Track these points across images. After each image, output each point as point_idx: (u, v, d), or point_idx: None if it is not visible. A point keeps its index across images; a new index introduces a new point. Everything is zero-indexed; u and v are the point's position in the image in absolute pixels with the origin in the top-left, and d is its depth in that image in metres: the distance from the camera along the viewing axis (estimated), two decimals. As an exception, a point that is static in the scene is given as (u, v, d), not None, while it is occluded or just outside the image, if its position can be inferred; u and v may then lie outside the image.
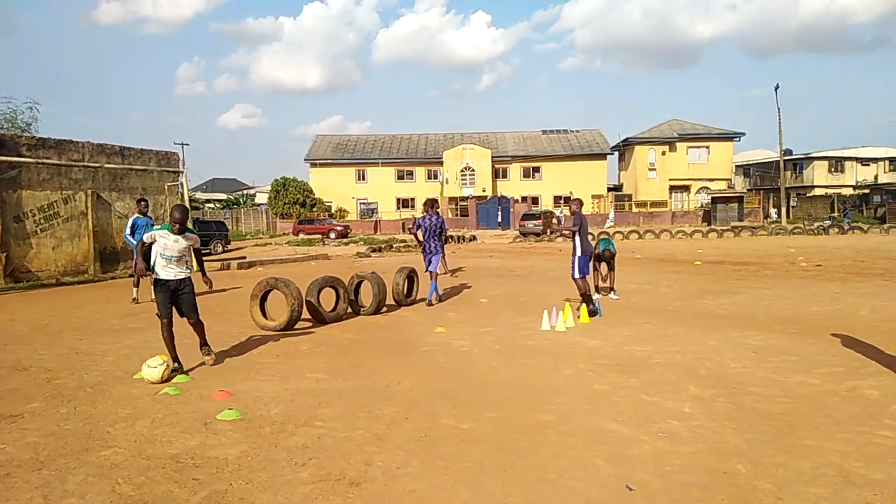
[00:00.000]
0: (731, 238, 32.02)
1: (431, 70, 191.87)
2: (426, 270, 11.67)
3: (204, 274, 7.05)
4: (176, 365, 6.44)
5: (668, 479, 3.76)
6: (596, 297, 10.78)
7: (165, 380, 6.05)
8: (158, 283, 6.52)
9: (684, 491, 3.61)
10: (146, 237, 6.65)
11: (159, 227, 6.56)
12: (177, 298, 6.56)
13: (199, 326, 6.78)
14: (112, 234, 17.58)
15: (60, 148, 16.38)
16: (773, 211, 47.48)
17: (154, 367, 6.03)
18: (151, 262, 6.66)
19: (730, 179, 59.67)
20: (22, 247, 15.27)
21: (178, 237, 6.46)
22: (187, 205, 19.98)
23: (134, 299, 11.60)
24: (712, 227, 40.57)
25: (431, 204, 12.01)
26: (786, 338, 7.70)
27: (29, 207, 15.46)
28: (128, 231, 11.90)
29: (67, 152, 16.52)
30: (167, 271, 6.49)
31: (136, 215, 12.02)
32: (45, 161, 15.68)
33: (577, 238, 9.53)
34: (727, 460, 4.04)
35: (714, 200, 50.65)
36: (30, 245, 15.47)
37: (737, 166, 65.71)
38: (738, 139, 60.04)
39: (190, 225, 6.99)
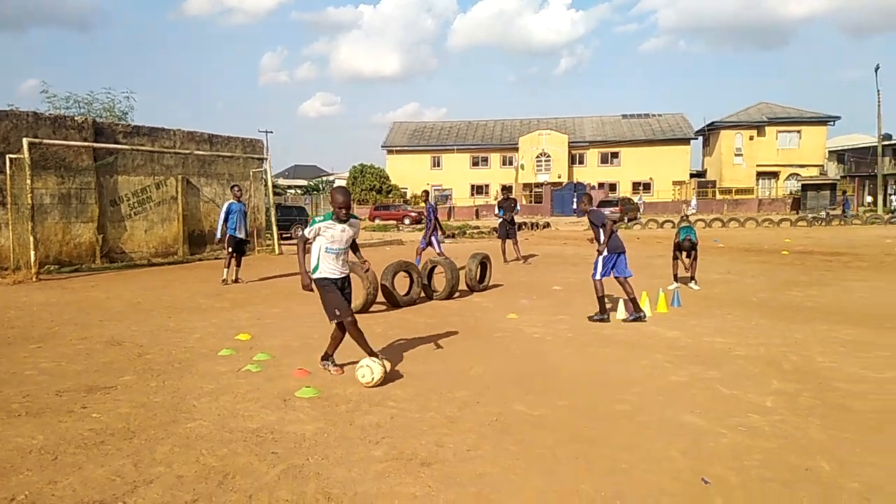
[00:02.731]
0: (820, 227, 30.47)
1: (508, 55, 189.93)
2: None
3: (361, 259, 6.10)
4: (376, 359, 5.51)
5: (746, 474, 3.64)
6: (674, 285, 10.51)
7: (380, 382, 5.34)
8: (325, 283, 5.63)
9: (763, 487, 3.49)
10: (308, 232, 5.60)
11: (321, 217, 5.64)
12: None
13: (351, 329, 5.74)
14: (200, 218, 18.37)
15: (153, 135, 17.21)
16: (868, 199, 44.72)
17: (365, 375, 5.32)
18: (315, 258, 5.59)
19: (822, 165, 56.68)
20: (117, 229, 16.18)
21: (345, 225, 5.57)
22: (271, 190, 20.64)
23: (223, 280, 12.09)
24: (801, 215, 38.64)
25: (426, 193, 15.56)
26: (879, 332, 7.28)
27: (124, 192, 16.35)
28: (222, 217, 12.23)
29: (160, 139, 17.34)
30: (333, 268, 5.64)
31: (231, 201, 12.44)
32: (139, 148, 16.51)
33: (602, 234, 8.36)
34: (810, 457, 3.87)
35: (804, 187, 48.24)
36: (124, 227, 16.37)
37: (830, 152, 62.24)
38: (832, 123, 56.96)
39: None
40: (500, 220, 15.81)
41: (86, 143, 15.13)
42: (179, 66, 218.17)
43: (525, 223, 32.46)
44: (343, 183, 61.26)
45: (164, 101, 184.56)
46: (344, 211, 5.49)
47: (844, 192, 44.95)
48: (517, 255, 15.69)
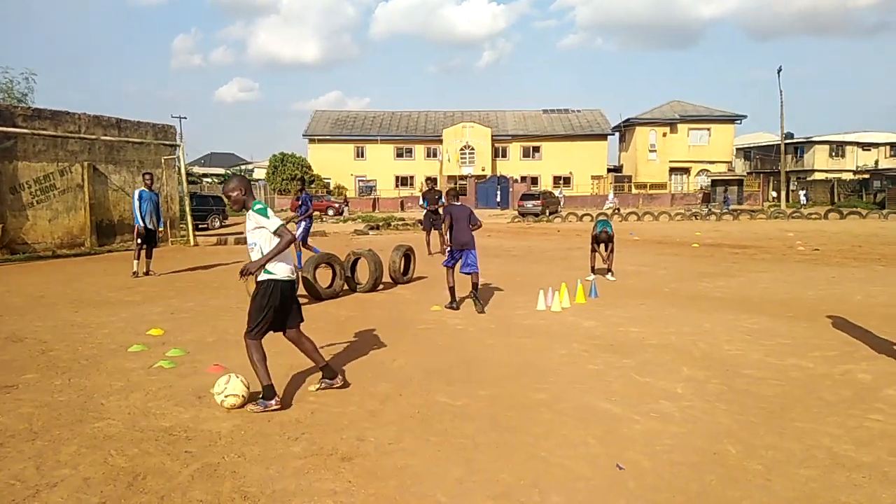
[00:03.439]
0: (729, 221, 32.00)
1: (431, 46, 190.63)
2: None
3: (261, 266, 4.84)
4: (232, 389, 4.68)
5: (658, 459, 3.79)
6: (592, 277, 10.79)
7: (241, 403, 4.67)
8: None
9: (674, 470, 3.63)
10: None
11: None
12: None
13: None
14: (109, 207, 17.53)
15: (56, 119, 16.26)
16: (772, 194, 47.67)
17: (222, 394, 4.63)
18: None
19: (730, 162, 59.55)
20: (18, 218, 15.23)
21: (250, 213, 4.84)
22: (185, 178, 19.90)
23: (134, 273, 11.58)
24: (711, 209, 40.51)
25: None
26: (780, 321, 7.72)
27: (25, 179, 15.39)
28: (135, 205, 11.69)
29: (64, 124, 16.40)
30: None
31: (142, 188, 11.93)
32: (40, 132, 15.58)
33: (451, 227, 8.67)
34: (718, 441, 4.05)
35: (714, 183, 50.62)
36: (26, 217, 15.43)
37: (737, 149, 65.50)
38: (739, 122, 59.85)
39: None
40: (425, 211, 15.82)
41: (-19, 127, 14.17)
42: (85, 47, 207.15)
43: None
44: (262, 172, 59.70)
45: (68, 84, 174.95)
46: (229, 198, 4.83)
47: (726, 190, 48.01)
48: (441, 246, 15.74)
